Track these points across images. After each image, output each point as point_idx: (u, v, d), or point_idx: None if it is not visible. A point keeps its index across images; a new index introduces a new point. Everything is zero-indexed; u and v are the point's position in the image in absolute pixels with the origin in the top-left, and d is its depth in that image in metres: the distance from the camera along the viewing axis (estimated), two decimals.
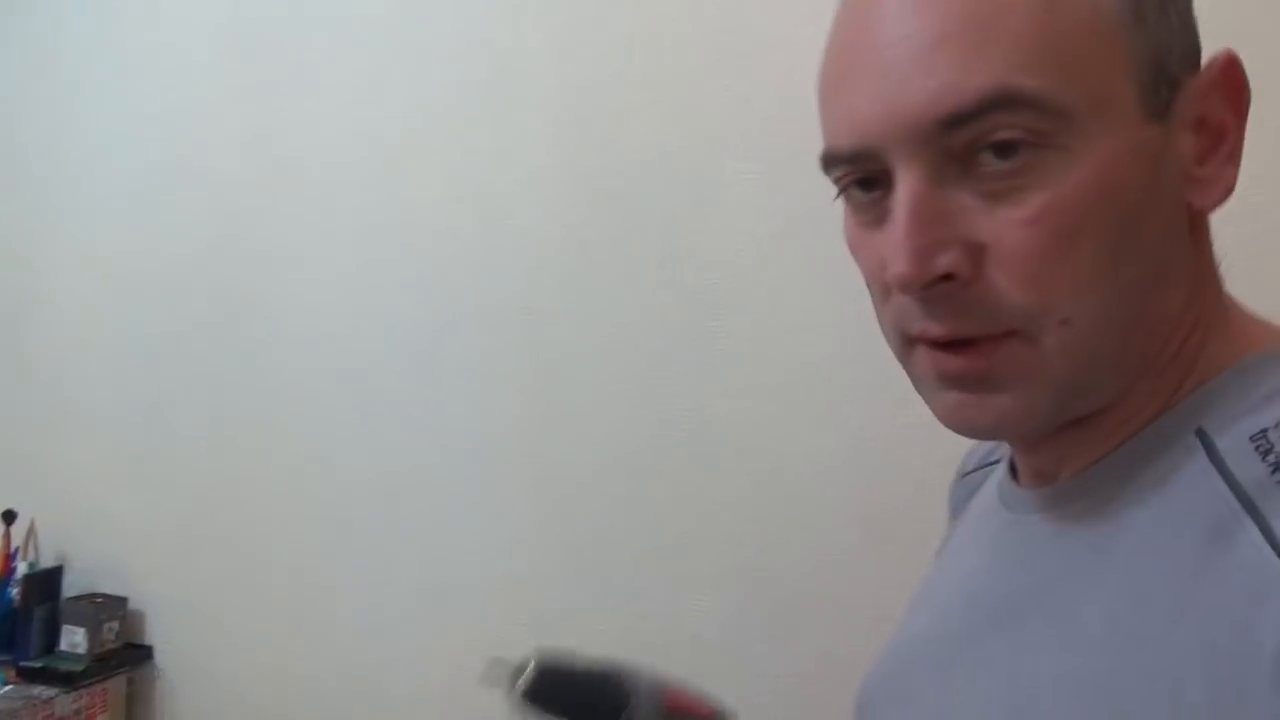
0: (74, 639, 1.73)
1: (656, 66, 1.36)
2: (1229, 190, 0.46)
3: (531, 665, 0.61)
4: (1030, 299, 0.43)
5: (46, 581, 1.81)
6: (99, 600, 1.78)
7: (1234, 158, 0.46)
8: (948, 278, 0.43)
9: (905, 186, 0.43)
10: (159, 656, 1.78)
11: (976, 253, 0.43)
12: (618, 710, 0.61)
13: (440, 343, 1.53)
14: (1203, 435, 0.43)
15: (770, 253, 1.30)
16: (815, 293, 1.27)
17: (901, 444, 1.20)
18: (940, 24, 0.42)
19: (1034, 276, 0.43)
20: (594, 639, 1.41)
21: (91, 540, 1.86)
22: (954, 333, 0.44)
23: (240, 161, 1.69)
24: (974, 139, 0.42)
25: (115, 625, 1.76)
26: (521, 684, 0.60)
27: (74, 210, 1.86)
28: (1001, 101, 0.41)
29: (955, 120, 0.42)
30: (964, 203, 0.43)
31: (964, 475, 0.66)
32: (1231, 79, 0.46)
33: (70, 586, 1.83)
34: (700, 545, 1.36)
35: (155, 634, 1.79)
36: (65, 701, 1.66)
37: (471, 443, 1.51)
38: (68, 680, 1.68)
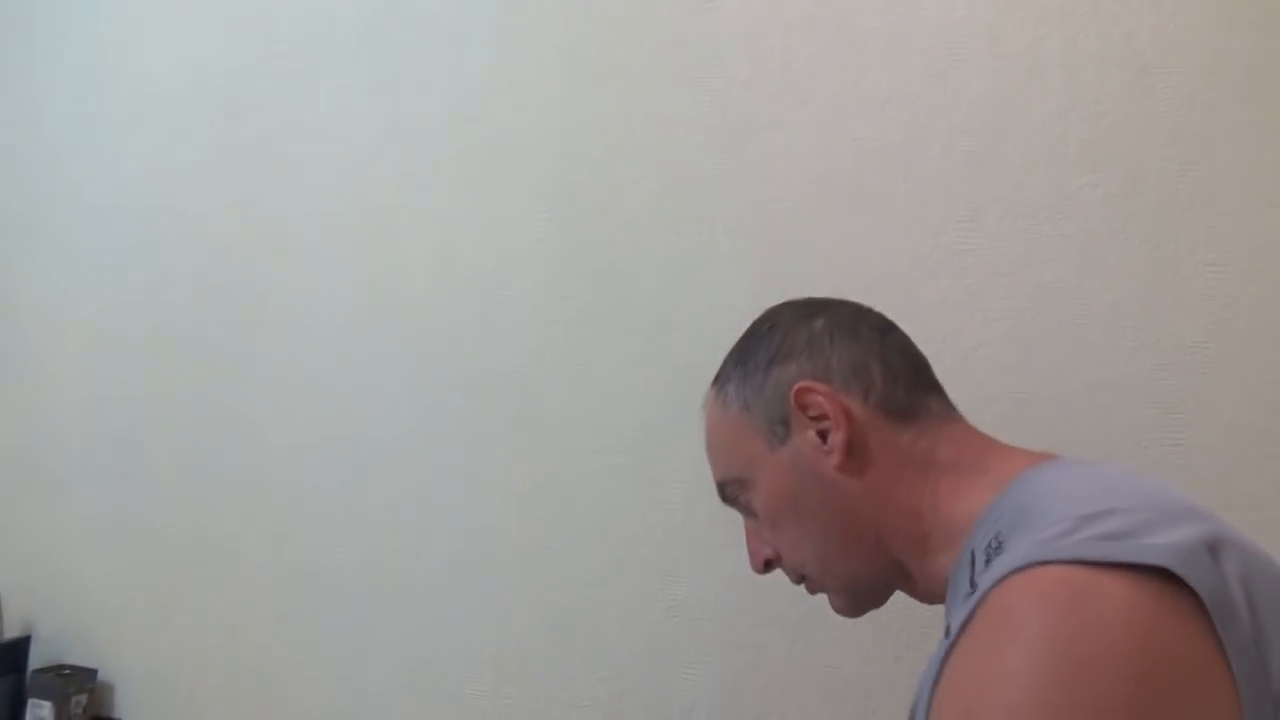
0: (40, 714, 1.68)
1: (650, 142, 1.40)
2: (843, 450, 0.79)
3: None
4: (790, 563, 0.86)
5: (12, 653, 1.75)
6: (67, 672, 1.73)
7: (838, 429, 0.79)
8: (771, 563, 0.87)
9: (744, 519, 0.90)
10: None
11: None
12: None
13: (429, 412, 1.53)
14: (972, 554, 0.71)
15: None
16: None
17: None
18: (707, 446, 0.90)
19: (783, 552, 0.86)
20: (581, 711, 1.40)
21: (60, 609, 1.81)
22: (795, 583, 0.88)
23: (228, 225, 1.70)
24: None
25: (84, 699, 1.71)
26: None
27: (56, 268, 1.86)
28: (723, 485, 0.89)
29: (722, 493, 0.89)
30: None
31: None
32: (802, 401, 0.80)
33: (37, 658, 1.78)
34: (691, 617, 1.36)
35: (125, 708, 1.74)
36: None
37: (459, 513, 1.51)
38: None
